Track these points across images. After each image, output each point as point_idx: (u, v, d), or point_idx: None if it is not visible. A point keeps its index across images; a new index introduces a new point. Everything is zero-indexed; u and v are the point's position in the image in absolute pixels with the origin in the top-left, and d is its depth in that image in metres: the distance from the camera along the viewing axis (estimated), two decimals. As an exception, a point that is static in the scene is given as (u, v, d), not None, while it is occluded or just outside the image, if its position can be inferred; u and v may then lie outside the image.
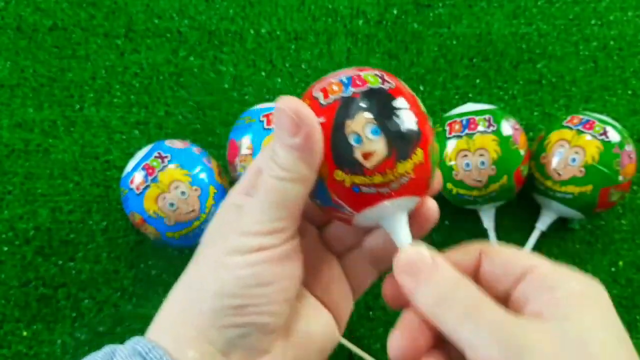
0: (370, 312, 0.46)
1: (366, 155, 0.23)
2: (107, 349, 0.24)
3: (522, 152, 0.43)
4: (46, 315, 0.46)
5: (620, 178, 0.42)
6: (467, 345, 0.21)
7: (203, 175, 0.41)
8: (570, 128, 0.44)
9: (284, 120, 0.23)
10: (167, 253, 0.47)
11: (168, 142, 0.43)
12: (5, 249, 0.47)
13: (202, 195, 0.41)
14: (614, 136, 0.42)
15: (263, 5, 0.53)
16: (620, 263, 0.48)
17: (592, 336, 0.20)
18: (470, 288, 0.22)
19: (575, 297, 0.22)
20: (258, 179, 0.24)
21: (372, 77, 0.24)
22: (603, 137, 0.42)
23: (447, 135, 0.43)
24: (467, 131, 0.43)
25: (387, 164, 0.23)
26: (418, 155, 0.24)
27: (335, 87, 0.24)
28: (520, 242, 0.47)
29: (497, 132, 0.42)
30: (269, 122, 0.42)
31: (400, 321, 0.24)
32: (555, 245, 0.48)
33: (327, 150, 0.23)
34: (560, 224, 0.48)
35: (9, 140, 0.49)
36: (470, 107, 0.45)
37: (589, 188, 0.42)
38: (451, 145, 0.43)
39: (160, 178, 0.40)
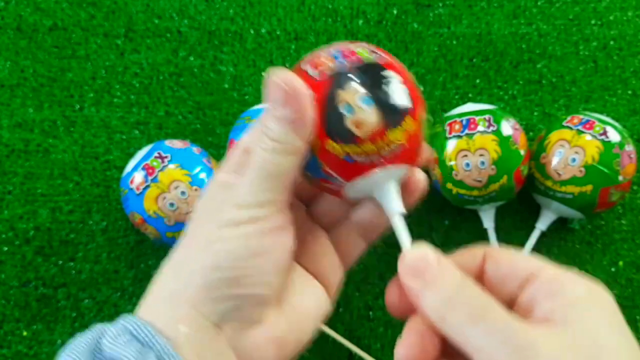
0: (370, 312, 0.46)
1: (357, 124, 0.23)
2: (97, 328, 0.24)
3: (522, 152, 0.43)
4: (46, 315, 0.46)
5: (620, 178, 0.42)
6: (474, 349, 0.21)
7: (203, 175, 0.41)
8: (570, 128, 0.44)
9: (276, 91, 0.23)
10: (167, 253, 0.47)
11: (168, 142, 0.43)
12: (5, 249, 0.47)
13: (202, 195, 0.41)
14: (614, 136, 0.42)
15: (263, 5, 0.53)
16: (620, 263, 0.48)
17: (601, 341, 0.21)
18: (477, 290, 0.22)
19: (583, 302, 0.22)
20: (246, 157, 0.25)
21: (360, 49, 0.25)
22: (603, 137, 0.42)
23: (447, 135, 0.43)
24: (467, 131, 0.43)
25: (378, 132, 0.23)
26: (408, 123, 0.24)
27: (325, 60, 0.24)
28: (520, 242, 0.47)
29: (497, 132, 0.42)
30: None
31: (406, 330, 0.23)
32: (555, 245, 0.48)
33: (319, 121, 0.24)
34: (560, 224, 0.48)
35: (9, 140, 0.49)
36: (470, 107, 0.45)
37: (589, 188, 0.42)
38: (451, 145, 0.43)
39: (160, 178, 0.40)
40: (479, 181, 0.42)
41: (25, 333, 0.45)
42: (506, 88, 0.52)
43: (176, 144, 0.43)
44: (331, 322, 0.45)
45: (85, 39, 0.52)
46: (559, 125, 0.45)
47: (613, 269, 0.48)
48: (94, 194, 0.48)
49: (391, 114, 0.24)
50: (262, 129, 0.24)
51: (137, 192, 0.41)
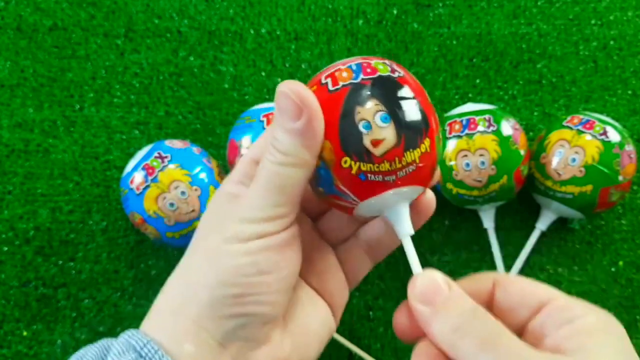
0: (370, 312, 0.46)
1: (375, 143, 0.23)
2: (102, 342, 0.24)
3: (522, 152, 0.43)
4: (46, 315, 0.46)
5: (620, 178, 0.42)
6: None
7: (203, 175, 0.41)
8: (570, 128, 0.44)
9: (286, 103, 0.23)
10: (167, 253, 0.47)
11: (168, 142, 0.43)
12: (5, 249, 0.47)
13: (202, 195, 0.41)
14: (614, 136, 0.42)
15: (263, 5, 0.53)
16: (620, 263, 0.48)
17: None
18: (488, 318, 0.22)
19: (593, 331, 0.22)
20: (254, 167, 0.24)
21: (381, 65, 0.24)
22: (603, 137, 0.42)
23: (447, 135, 0.43)
24: (467, 131, 0.43)
25: (395, 152, 0.23)
26: (426, 144, 0.24)
27: (344, 74, 0.24)
28: (520, 242, 0.47)
29: (497, 132, 0.42)
30: (269, 122, 0.42)
31: (415, 355, 0.23)
32: (555, 245, 0.48)
33: (335, 136, 0.23)
34: (560, 224, 0.48)
35: (9, 140, 0.49)
36: (470, 107, 0.45)
37: (589, 188, 0.42)
38: (451, 145, 0.43)
39: (160, 178, 0.40)
40: (479, 181, 0.42)
41: (25, 333, 0.45)
42: (506, 88, 0.52)
43: (176, 144, 0.43)
44: (331, 322, 0.45)
45: (85, 39, 0.52)
46: (559, 125, 0.45)
47: (613, 269, 0.48)
48: (94, 194, 0.48)
49: (410, 135, 0.23)
50: (270, 140, 0.23)
51: (137, 192, 0.41)
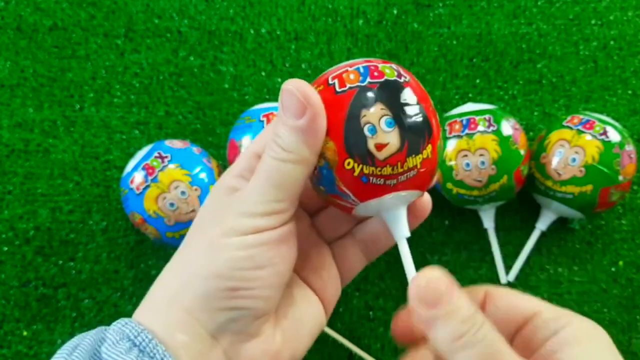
0: (370, 312, 0.46)
1: (379, 147, 0.23)
2: (97, 331, 0.24)
3: (522, 152, 0.43)
4: (46, 315, 0.46)
5: (620, 178, 0.42)
6: None
7: (203, 175, 0.41)
8: (571, 128, 0.44)
9: (291, 100, 0.23)
10: (167, 253, 0.47)
11: (168, 142, 0.43)
12: (5, 249, 0.47)
13: (202, 195, 0.41)
14: (614, 136, 0.42)
15: (263, 5, 0.53)
16: (620, 263, 0.48)
17: None
18: (490, 330, 0.22)
19: (578, 341, 0.22)
20: (255, 161, 0.24)
21: (388, 70, 0.24)
22: (603, 137, 0.42)
23: (447, 135, 0.43)
24: (467, 131, 0.43)
25: (398, 157, 0.23)
26: (428, 150, 0.24)
27: (352, 76, 0.24)
28: (520, 242, 0.47)
29: (497, 132, 0.42)
30: (269, 122, 0.42)
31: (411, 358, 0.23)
32: (555, 245, 0.48)
33: (339, 138, 0.23)
34: (560, 224, 0.48)
35: (9, 140, 0.49)
36: (470, 107, 0.45)
37: (589, 188, 0.42)
38: (451, 145, 0.43)
39: (160, 178, 0.40)
40: (479, 181, 0.42)
41: (25, 333, 0.45)
42: (506, 88, 0.52)
43: (176, 144, 0.43)
44: (331, 322, 0.45)
45: (85, 39, 0.52)
46: (559, 125, 0.45)
47: (613, 269, 0.48)
48: (94, 194, 0.48)
49: (413, 140, 0.24)
50: (272, 136, 0.24)
51: (137, 192, 0.41)
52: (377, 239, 0.29)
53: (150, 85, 0.51)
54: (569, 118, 0.45)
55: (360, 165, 0.23)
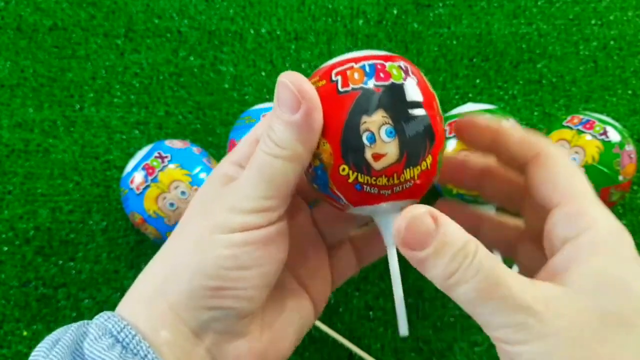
0: (370, 312, 0.46)
1: (376, 157, 0.22)
2: (78, 326, 0.23)
3: (522, 152, 0.43)
4: (46, 315, 0.46)
5: (620, 178, 0.42)
6: (483, 324, 0.20)
7: (203, 175, 0.41)
8: (571, 128, 0.44)
9: (285, 94, 0.22)
10: (167, 253, 0.47)
11: (168, 142, 0.43)
12: (5, 249, 0.47)
13: (202, 195, 0.41)
14: (614, 136, 0.42)
15: (263, 5, 0.53)
16: (620, 263, 0.48)
17: (625, 274, 0.20)
18: (484, 258, 0.20)
19: (596, 252, 0.21)
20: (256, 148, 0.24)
21: (396, 70, 0.23)
22: (603, 137, 0.42)
23: (447, 135, 0.43)
24: (467, 131, 0.43)
25: (395, 169, 0.22)
26: (427, 162, 0.23)
27: (356, 75, 0.23)
28: (520, 242, 0.47)
29: (497, 132, 0.42)
30: (269, 122, 0.42)
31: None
32: (555, 245, 0.48)
33: (336, 142, 0.22)
34: (560, 224, 0.48)
35: (9, 140, 0.49)
36: (470, 107, 0.45)
37: (589, 188, 0.42)
38: (451, 145, 0.43)
39: (160, 178, 0.40)
40: (479, 181, 0.42)
41: (25, 333, 0.45)
42: (506, 88, 0.52)
43: (176, 144, 0.43)
44: (331, 322, 0.45)
45: (85, 39, 0.52)
46: (559, 125, 0.45)
47: (613, 269, 0.48)
48: (94, 194, 0.48)
49: (413, 152, 0.22)
50: (266, 129, 0.23)
51: (137, 192, 0.41)
52: (372, 244, 0.29)
53: (150, 85, 0.51)
54: (569, 118, 0.45)
55: (355, 173, 0.23)
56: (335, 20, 0.53)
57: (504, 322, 0.20)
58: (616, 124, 0.44)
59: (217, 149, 0.49)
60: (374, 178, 0.23)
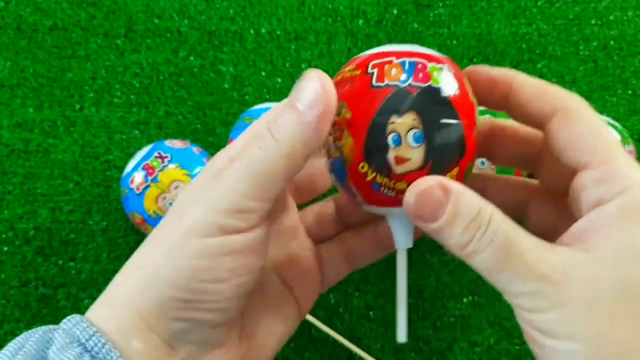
0: (370, 312, 0.46)
1: (399, 160, 0.21)
2: (43, 331, 0.22)
3: (522, 152, 0.43)
4: (46, 315, 0.46)
5: (620, 178, 0.42)
6: (503, 292, 0.20)
7: (203, 175, 0.41)
8: (570, 128, 0.44)
9: (311, 86, 0.20)
10: (167, 253, 0.47)
11: (168, 142, 0.43)
12: (5, 249, 0.47)
13: (202, 195, 0.41)
14: (614, 136, 0.42)
15: (263, 5, 0.53)
16: (620, 263, 0.48)
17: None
18: (500, 223, 0.20)
19: (620, 220, 0.20)
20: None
21: (437, 73, 0.22)
22: (603, 137, 0.42)
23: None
24: (467, 131, 0.43)
25: (416, 175, 0.21)
26: (452, 173, 0.22)
27: (394, 71, 0.22)
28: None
29: (497, 132, 0.42)
30: (269, 122, 0.42)
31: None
32: (555, 245, 0.48)
33: (360, 138, 0.21)
34: (560, 224, 0.48)
35: (9, 140, 0.49)
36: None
37: (589, 188, 0.42)
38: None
39: (160, 178, 0.40)
40: (479, 181, 0.42)
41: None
42: (506, 88, 0.52)
43: (176, 144, 0.43)
44: (331, 322, 0.45)
45: (85, 39, 0.52)
46: (559, 125, 0.45)
47: (613, 269, 0.48)
48: (94, 194, 0.48)
49: (438, 161, 0.21)
50: (266, 124, 0.22)
51: (137, 192, 0.41)
52: (364, 249, 0.28)
53: (150, 85, 0.51)
54: (569, 118, 0.45)
55: (374, 173, 0.22)
56: (335, 20, 0.53)
57: (521, 290, 0.19)
58: (616, 124, 0.44)
59: (217, 149, 0.49)
60: (393, 181, 0.22)
